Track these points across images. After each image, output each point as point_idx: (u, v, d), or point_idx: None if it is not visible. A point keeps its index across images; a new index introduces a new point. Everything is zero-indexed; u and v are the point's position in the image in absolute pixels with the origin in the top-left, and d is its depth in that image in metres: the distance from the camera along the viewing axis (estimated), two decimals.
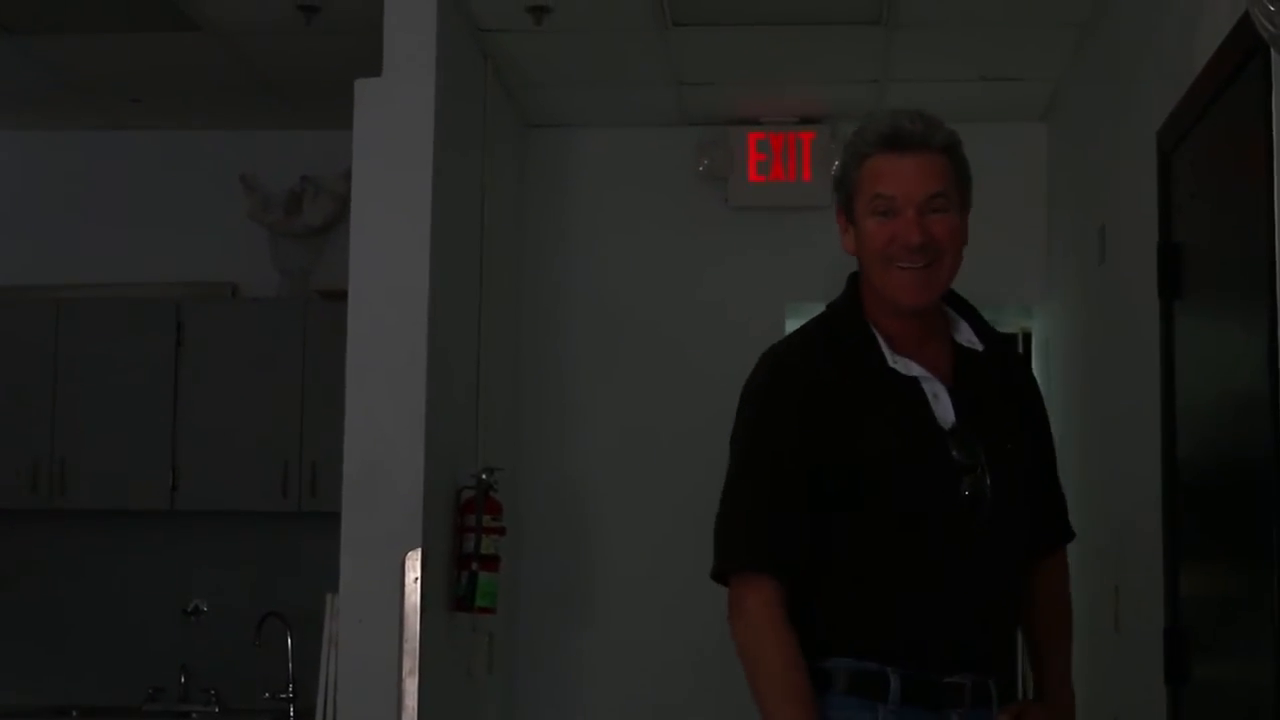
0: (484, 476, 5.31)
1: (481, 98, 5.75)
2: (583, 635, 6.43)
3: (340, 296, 5.17)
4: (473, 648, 5.59)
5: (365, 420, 4.91)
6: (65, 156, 7.03)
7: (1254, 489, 3.39)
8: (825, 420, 2.65)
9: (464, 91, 5.49)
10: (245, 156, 6.88)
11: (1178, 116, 4.07)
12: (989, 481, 2.66)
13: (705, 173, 6.56)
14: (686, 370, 6.35)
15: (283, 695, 6.34)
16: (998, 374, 2.80)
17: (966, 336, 2.79)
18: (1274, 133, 3.24)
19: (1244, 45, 3.38)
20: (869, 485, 2.63)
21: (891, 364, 2.70)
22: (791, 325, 4.55)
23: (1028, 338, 6.81)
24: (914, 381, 2.70)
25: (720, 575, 2.71)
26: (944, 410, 2.69)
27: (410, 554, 4.86)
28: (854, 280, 2.80)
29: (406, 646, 4.82)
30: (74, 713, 6.46)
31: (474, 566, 5.23)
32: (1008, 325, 6.86)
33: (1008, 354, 2.90)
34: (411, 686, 4.81)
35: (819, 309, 2.87)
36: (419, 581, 4.84)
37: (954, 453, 2.66)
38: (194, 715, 6.52)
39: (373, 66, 5.05)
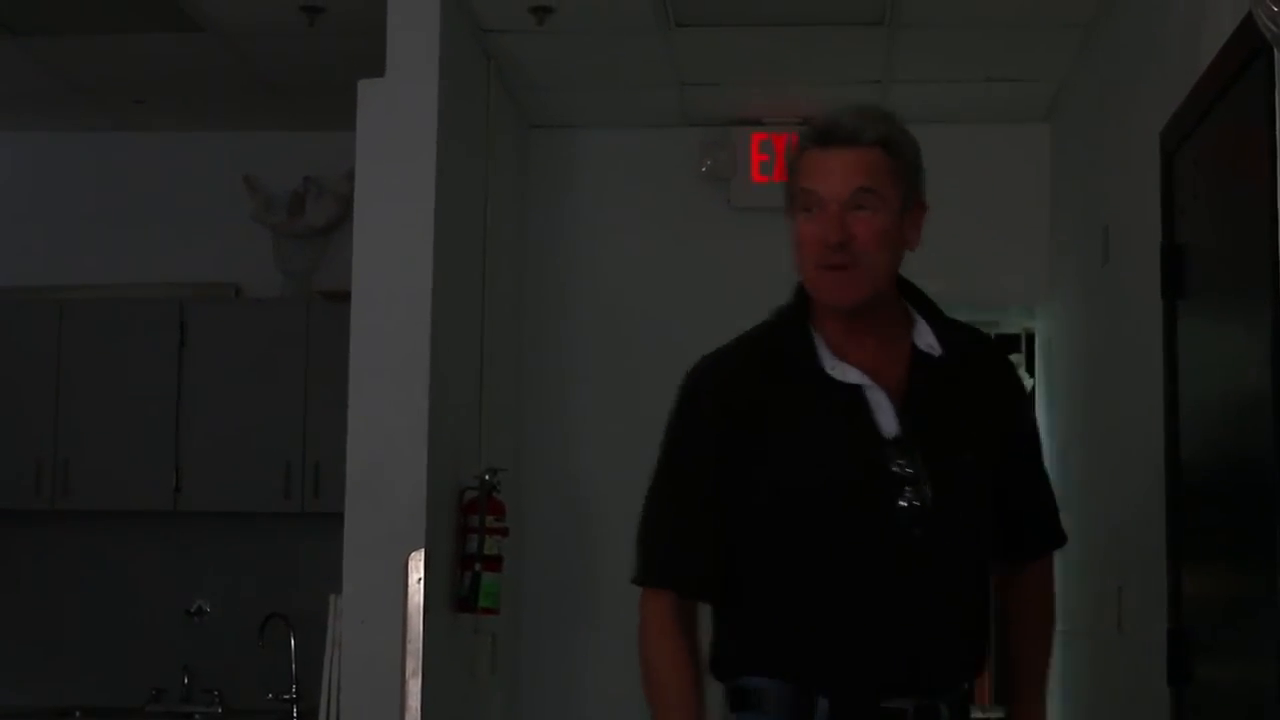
0: (487, 477, 5.31)
1: (484, 98, 5.75)
2: (586, 636, 6.43)
3: (343, 297, 5.17)
4: (476, 648, 5.59)
5: (368, 421, 4.91)
6: (69, 158, 7.03)
7: (1257, 489, 3.39)
8: (745, 433, 2.57)
9: (466, 92, 5.49)
10: (248, 157, 6.89)
11: (1181, 117, 4.07)
12: (930, 493, 2.54)
13: (708, 173, 6.56)
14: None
15: (285, 696, 6.34)
16: (966, 378, 2.66)
17: (925, 340, 2.66)
18: (1277, 133, 3.23)
19: (1247, 46, 3.38)
20: (795, 499, 2.55)
21: (829, 370, 2.60)
22: None
23: (1031, 338, 6.81)
24: (856, 389, 2.59)
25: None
26: (887, 419, 2.58)
27: (413, 555, 4.85)
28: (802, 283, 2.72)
29: (409, 647, 4.82)
30: (76, 713, 6.46)
31: (477, 567, 5.23)
32: (1011, 325, 6.87)
33: (984, 356, 2.78)
34: (414, 687, 4.81)
35: None
36: (422, 582, 4.84)
37: (894, 464, 2.55)
38: (197, 716, 6.52)
39: (375, 67, 5.05)
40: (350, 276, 5.04)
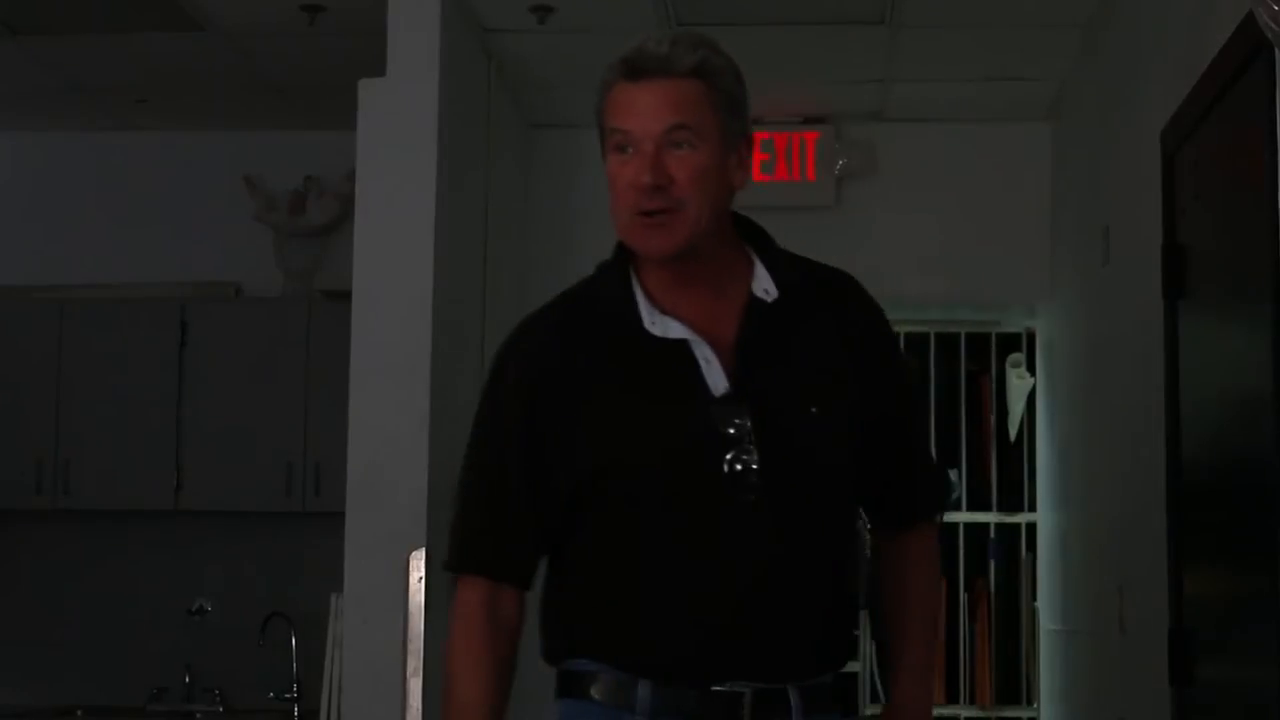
0: None
1: (485, 98, 5.75)
2: None
3: (344, 296, 5.17)
4: None
5: (369, 420, 4.91)
6: (70, 157, 7.04)
7: (1258, 489, 3.39)
8: (558, 402, 2.35)
9: (468, 92, 5.49)
10: (249, 157, 6.89)
11: (1182, 116, 4.07)
12: (761, 455, 2.28)
13: None
14: None
15: (287, 695, 6.35)
16: (812, 325, 2.40)
17: (762, 284, 2.40)
18: (1278, 133, 3.24)
19: (1248, 45, 3.38)
20: (614, 469, 2.32)
21: (649, 326, 2.36)
22: None
23: (1031, 338, 6.81)
24: (681, 344, 2.34)
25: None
26: (715, 376, 2.32)
27: (414, 554, 4.85)
28: None
29: (411, 647, 4.82)
30: (78, 713, 6.46)
31: None
32: (1012, 325, 6.88)
33: (839, 299, 2.46)
34: (416, 687, 4.81)
35: None
36: (423, 582, 4.84)
37: (725, 425, 2.29)
38: (198, 715, 6.53)
39: (376, 67, 5.05)
40: (351, 276, 5.04)
